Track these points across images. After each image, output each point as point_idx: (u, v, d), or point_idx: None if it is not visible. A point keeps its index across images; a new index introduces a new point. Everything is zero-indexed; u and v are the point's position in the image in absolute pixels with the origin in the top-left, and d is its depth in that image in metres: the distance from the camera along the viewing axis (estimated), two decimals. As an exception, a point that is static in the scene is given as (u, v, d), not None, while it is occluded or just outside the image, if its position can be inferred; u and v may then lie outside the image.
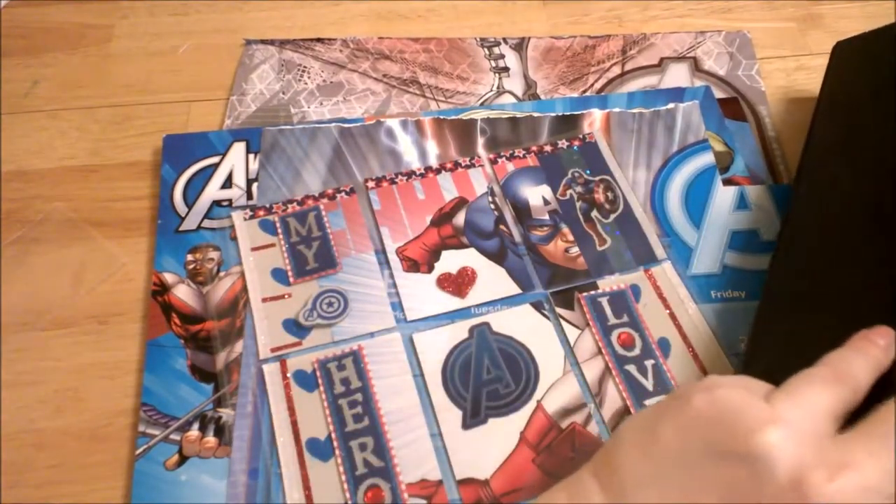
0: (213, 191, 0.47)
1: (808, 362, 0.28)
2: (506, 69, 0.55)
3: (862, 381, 0.28)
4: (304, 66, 0.54)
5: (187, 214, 0.46)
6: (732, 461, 0.25)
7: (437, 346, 0.42)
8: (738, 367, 0.41)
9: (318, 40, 0.56)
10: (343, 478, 0.38)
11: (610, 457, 0.28)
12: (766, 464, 0.25)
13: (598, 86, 0.53)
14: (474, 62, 0.55)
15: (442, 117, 0.50)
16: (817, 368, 0.28)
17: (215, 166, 0.48)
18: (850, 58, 0.46)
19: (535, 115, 0.50)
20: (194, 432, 0.39)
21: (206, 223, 0.46)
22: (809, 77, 0.54)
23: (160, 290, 0.44)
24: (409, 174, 0.48)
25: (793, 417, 0.26)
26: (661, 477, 0.26)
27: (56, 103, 0.53)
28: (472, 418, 0.39)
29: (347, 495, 0.37)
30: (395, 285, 0.44)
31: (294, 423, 0.39)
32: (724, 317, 0.42)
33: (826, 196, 0.40)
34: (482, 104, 0.53)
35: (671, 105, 0.51)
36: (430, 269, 0.44)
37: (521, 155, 0.49)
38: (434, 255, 0.45)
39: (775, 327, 0.38)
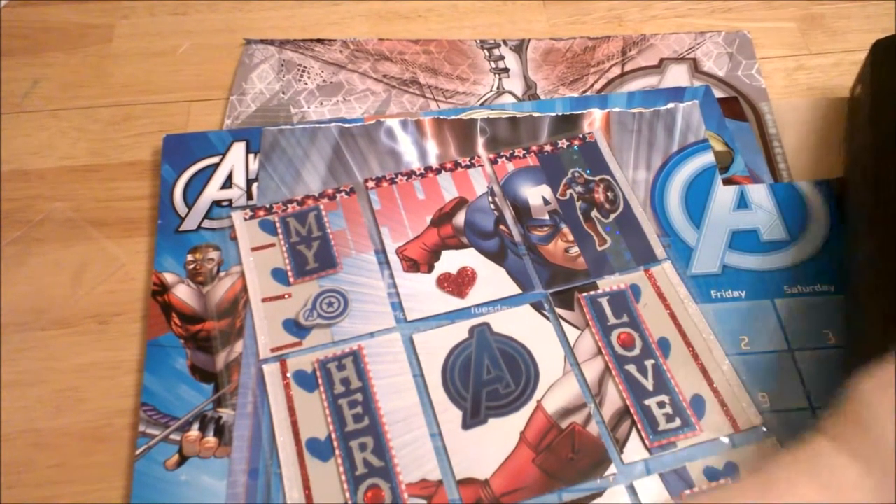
0: (213, 191, 0.47)
1: None
2: (506, 70, 0.54)
3: None
4: (304, 67, 0.54)
5: (187, 214, 0.46)
6: None
7: (437, 346, 0.42)
8: (739, 368, 0.41)
9: (319, 41, 0.56)
10: (343, 478, 0.38)
11: (855, 420, 0.24)
12: None
13: (597, 87, 0.53)
14: (474, 63, 0.55)
15: (442, 117, 0.50)
16: None
17: (215, 166, 0.48)
18: (891, 55, 0.45)
19: (535, 114, 0.50)
20: (194, 432, 0.39)
21: (206, 223, 0.46)
22: (810, 77, 0.54)
23: (160, 290, 0.44)
24: (409, 174, 0.48)
25: None
26: None
27: (56, 103, 0.53)
28: (472, 418, 0.39)
29: (347, 495, 0.37)
30: (395, 285, 0.44)
31: (294, 423, 0.39)
32: (724, 317, 0.42)
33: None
34: (482, 104, 0.53)
35: (671, 105, 0.51)
36: (430, 269, 0.44)
37: (521, 155, 0.49)
38: (434, 255, 0.45)
39: (874, 316, 0.37)
